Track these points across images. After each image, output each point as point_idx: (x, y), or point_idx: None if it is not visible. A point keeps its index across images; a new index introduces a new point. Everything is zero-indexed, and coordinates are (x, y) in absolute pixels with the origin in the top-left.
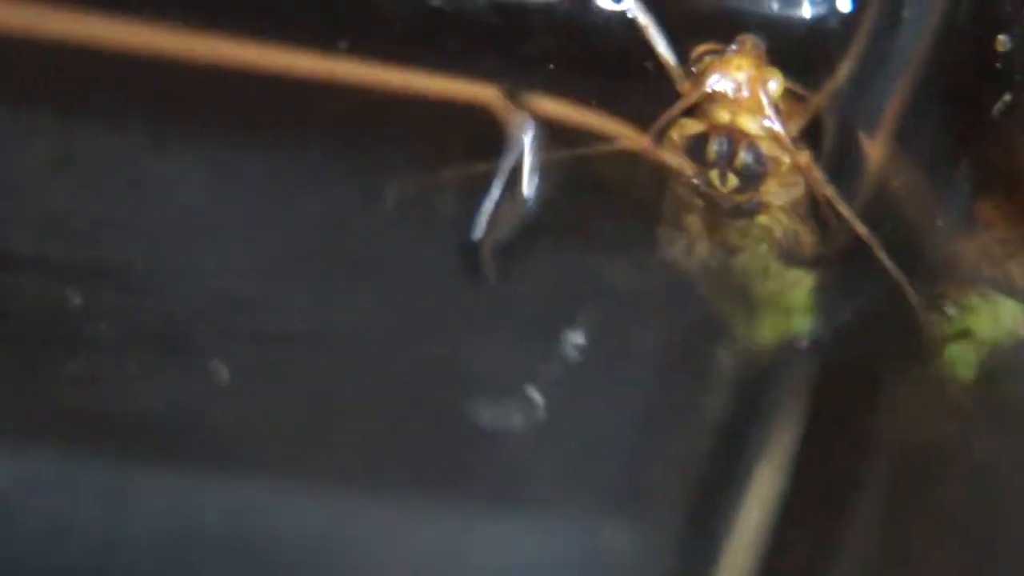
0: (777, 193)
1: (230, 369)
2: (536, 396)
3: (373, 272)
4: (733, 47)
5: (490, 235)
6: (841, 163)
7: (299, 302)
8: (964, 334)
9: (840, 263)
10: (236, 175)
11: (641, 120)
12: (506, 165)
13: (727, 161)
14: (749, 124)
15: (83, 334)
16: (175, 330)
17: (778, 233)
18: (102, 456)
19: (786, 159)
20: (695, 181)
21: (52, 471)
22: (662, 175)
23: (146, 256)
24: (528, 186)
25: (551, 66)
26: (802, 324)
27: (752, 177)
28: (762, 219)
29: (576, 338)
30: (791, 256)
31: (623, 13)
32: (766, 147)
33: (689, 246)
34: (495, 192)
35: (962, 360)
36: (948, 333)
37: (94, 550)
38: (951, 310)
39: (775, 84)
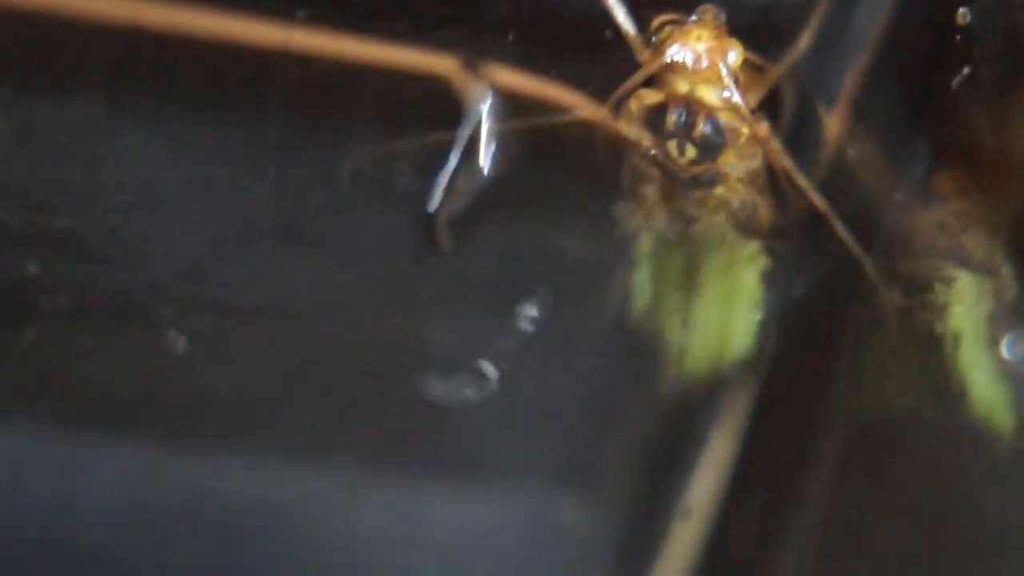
0: (735, 164)
1: (186, 340)
2: (489, 370)
3: (329, 244)
4: (693, 17)
5: (446, 206)
6: (799, 135)
7: (255, 274)
8: (944, 319)
9: (797, 235)
10: (193, 146)
11: (599, 91)
12: (463, 136)
13: (685, 132)
14: (708, 95)
15: (39, 304)
16: (132, 301)
17: (735, 204)
18: (57, 427)
19: (744, 130)
20: (653, 152)
21: (5, 440)
22: (620, 146)
23: (103, 227)
24: (485, 157)
25: (510, 36)
26: (756, 296)
27: (710, 148)
28: (719, 190)
29: (530, 311)
30: (748, 227)
31: None
32: (724, 118)
33: (646, 217)
34: (452, 163)
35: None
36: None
37: (48, 521)
38: (922, 302)
39: (734, 55)
